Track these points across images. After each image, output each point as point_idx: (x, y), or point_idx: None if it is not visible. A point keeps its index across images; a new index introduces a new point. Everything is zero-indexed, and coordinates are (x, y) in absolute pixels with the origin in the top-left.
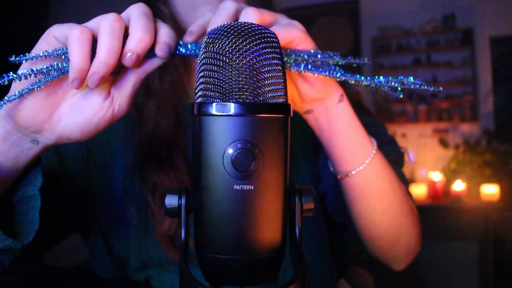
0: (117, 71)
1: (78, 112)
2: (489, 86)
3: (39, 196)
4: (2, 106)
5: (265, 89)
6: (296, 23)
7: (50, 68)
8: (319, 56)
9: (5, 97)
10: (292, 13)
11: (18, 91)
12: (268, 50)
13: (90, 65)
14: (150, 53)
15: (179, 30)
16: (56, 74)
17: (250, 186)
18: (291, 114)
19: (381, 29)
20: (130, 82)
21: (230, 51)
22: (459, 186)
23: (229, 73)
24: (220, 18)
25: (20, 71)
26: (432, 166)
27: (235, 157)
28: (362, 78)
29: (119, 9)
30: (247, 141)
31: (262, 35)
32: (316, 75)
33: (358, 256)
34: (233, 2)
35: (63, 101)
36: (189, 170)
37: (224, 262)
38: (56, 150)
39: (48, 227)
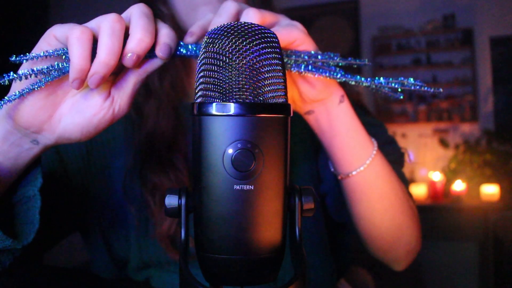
0: (118, 72)
1: (78, 113)
2: (489, 86)
3: (39, 196)
4: (2, 106)
5: (265, 89)
6: (297, 24)
7: (51, 68)
8: (319, 57)
9: (5, 97)
10: (292, 13)
11: (19, 91)
12: (268, 50)
13: (90, 66)
14: (150, 53)
15: (178, 30)
16: (56, 74)
17: (250, 186)
18: (291, 114)
19: (381, 29)
20: (130, 83)
21: (230, 51)
22: (459, 186)
23: (229, 73)
24: (221, 19)
25: (20, 71)
26: (432, 166)
27: (235, 157)
28: (363, 79)
29: (119, 10)
30: (247, 141)
31: (262, 35)
32: (316, 76)
33: (358, 256)
34: (234, 2)
35: (63, 101)
36: (189, 170)
37: (224, 262)
38: (56, 150)
39: (48, 227)
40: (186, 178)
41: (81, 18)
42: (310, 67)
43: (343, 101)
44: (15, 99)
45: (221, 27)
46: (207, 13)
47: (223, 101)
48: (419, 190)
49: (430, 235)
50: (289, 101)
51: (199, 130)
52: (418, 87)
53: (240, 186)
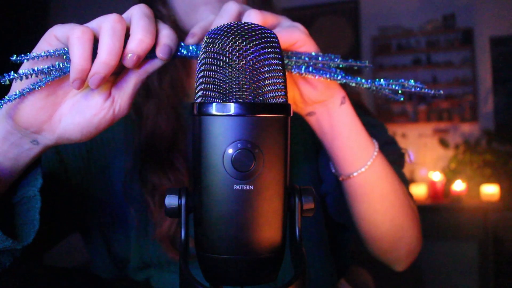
0: (118, 72)
1: (79, 113)
2: (489, 86)
3: (39, 197)
4: (2, 105)
5: (265, 89)
6: (298, 25)
7: (51, 68)
8: (320, 58)
9: (6, 97)
10: (292, 13)
11: (19, 91)
12: (268, 50)
13: (91, 66)
14: (151, 54)
15: (178, 31)
16: (57, 74)
17: (250, 186)
18: (291, 114)
19: (381, 29)
20: (130, 83)
21: (230, 51)
22: (459, 186)
23: (229, 73)
24: (222, 20)
25: (21, 71)
26: (432, 166)
27: (235, 157)
28: (363, 80)
29: (120, 10)
30: (247, 141)
31: (262, 35)
32: (317, 77)
33: (358, 256)
34: (236, 4)
35: (64, 101)
36: (189, 171)
37: (224, 262)
38: (56, 151)
39: (48, 227)
40: (186, 178)
41: (82, 18)
42: (310, 68)
43: (345, 103)
44: (16, 98)
45: (221, 27)
46: (206, 13)
47: (223, 101)
48: (419, 190)
49: (430, 235)
50: (290, 102)
51: (199, 130)
52: (418, 89)
53: (240, 186)
